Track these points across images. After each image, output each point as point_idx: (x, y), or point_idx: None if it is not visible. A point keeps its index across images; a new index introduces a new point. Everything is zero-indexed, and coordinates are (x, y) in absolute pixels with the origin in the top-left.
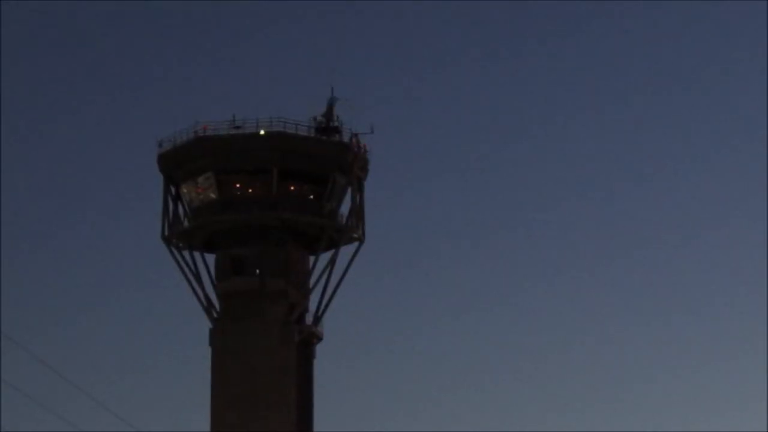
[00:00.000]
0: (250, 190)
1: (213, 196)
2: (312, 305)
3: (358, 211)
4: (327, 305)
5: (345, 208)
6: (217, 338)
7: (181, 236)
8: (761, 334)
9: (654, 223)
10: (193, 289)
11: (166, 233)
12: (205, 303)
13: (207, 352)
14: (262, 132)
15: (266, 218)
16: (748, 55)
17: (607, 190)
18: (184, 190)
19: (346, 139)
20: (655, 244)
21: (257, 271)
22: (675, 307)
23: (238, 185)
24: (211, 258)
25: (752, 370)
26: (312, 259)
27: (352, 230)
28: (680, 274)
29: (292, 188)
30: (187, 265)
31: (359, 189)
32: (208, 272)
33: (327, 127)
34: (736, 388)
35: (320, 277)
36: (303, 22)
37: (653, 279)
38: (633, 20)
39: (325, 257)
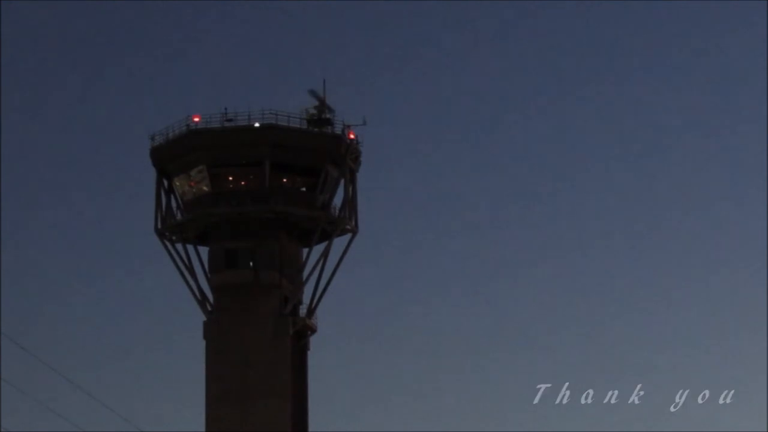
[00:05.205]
0: (242, 183)
1: (206, 189)
2: (306, 297)
3: (350, 203)
4: (321, 297)
5: (338, 199)
6: (211, 331)
7: (175, 229)
8: (762, 334)
9: (651, 214)
10: (187, 282)
11: (159, 227)
12: (198, 296)
13: (201, 344)
14: (255, 125)
15: (259, 211)
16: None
17: (599, 182)
18: (177, 184)
19: (338, 130)
20: (651, 236)
21: (251, 263)
22: (672, 297)
23: (230, 178)
24: (204, 251)
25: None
26: (305, 251)
27: (344, 222)
28: (681, 262)
29: (284, 180)
30: (181, 258)
31: (352, 180)
32: (202, 265)
33: (319, 119)
34: (737, 385)
35: (314, 269)
36: (294, 14)
37: (650, 272)
38: (629, 19)
39: (318, 249)
